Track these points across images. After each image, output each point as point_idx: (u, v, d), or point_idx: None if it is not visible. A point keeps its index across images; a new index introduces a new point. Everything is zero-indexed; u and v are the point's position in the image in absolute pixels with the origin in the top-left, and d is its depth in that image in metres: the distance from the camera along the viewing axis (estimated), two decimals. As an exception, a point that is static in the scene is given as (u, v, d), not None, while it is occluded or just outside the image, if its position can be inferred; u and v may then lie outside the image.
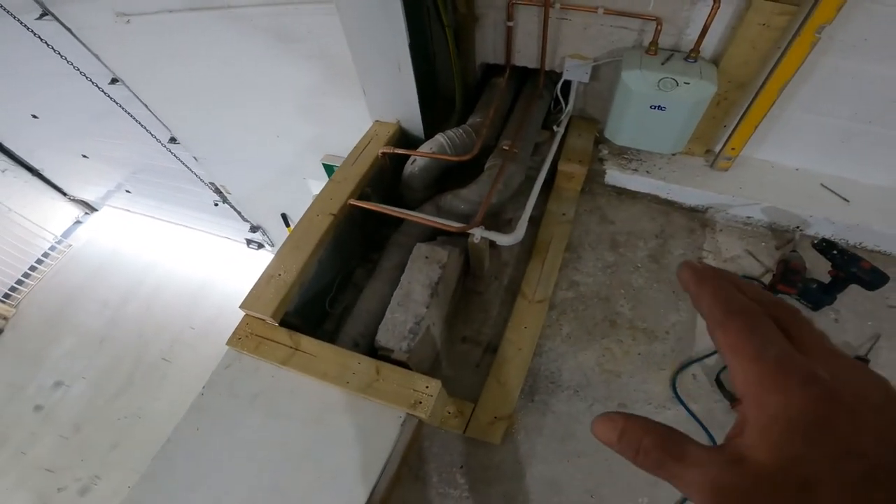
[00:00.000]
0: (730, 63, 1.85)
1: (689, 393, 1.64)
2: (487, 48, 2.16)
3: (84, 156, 4.67)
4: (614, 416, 0.38)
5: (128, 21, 2.64)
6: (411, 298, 1.66)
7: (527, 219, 1.77)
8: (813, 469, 0.29)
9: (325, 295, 1.84)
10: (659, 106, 1.80)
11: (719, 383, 1.67)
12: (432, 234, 1.88)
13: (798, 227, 2.04)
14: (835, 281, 1.77)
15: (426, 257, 1.74)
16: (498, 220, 2.04)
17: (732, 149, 2.02)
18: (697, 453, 0.33)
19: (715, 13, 1.72)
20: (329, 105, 2.60)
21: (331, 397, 1.47)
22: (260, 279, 1.60)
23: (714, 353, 1.73)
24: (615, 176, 2.13)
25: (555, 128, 2.13)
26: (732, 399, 1.61)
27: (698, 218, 2.09)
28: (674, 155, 2.16)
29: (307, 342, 1.52)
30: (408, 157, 1.94)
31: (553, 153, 2.02)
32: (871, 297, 1.78)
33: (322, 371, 1.46)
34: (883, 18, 1.63)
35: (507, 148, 1.89)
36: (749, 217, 2.06)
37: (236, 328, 1.58)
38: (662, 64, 1.83)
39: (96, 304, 5.61)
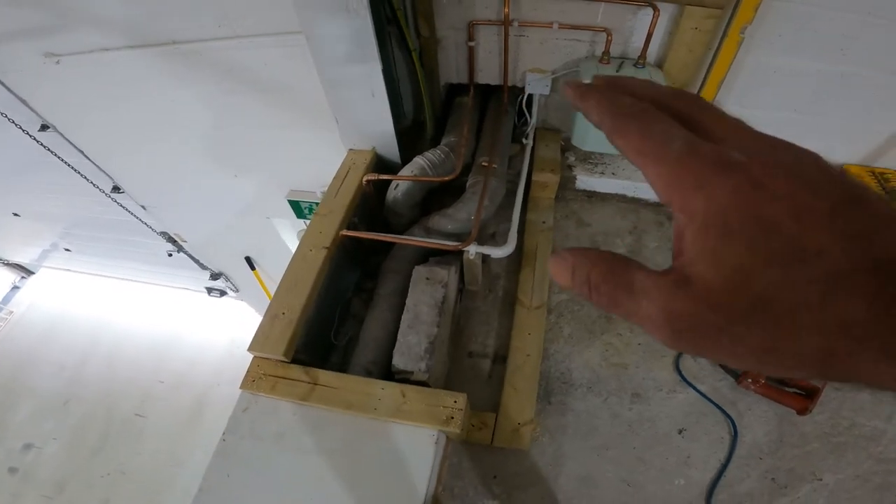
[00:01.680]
0: (672, 66, 1.95)
1: (694, 374, 1.69)
2: (451, 69, 2.16)
3: (15, 214, 4.22)
4: (563, 254, 0.33)
5: (57, 62, 2.40)
6: (420, 320, 1.62)
7: (515, 230, 1.78)
8: (762, 281, 0.24)
9: (327, 328, 1.76)
10: None
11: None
12: (422, 256, 1.84)
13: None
14: None
15: (427, 279, 1.71)
16: (483, 234, 2.03)
17: (680, 147, 2.12)
18: (644, 281, 0.28)
19: (655, 21, 1.81)
20: (291, 138, 2.48)
21: (358, 426, 1.40)
22: (263, 321, 1.52)
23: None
24: (585, 180, 2.18)
25: (524, 140, 2.16)
26: (736, 375, 1.67)
27: (664, 211, 2.18)
28: (632, 155, 2.24)
29: (325, 376, 1.46)
30: (390, 182, 1.90)
31: (526, 165, 2.04)
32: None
33: (347, 402, 1.40)
34: (790, 14, 1.76)
35: (486, 164, 1.89)
36: None
37: (248, 371, 1.49)
38: (617, 71, 1.90)
39: (52, 367, 5.28)
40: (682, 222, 0.27)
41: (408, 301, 1.65)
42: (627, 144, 0.29)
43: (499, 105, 2.19)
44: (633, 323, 0.29)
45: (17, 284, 5.93)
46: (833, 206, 0.24)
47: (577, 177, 2.18)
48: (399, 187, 1.89)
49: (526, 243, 1.97)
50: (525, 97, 2.15)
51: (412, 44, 1.91)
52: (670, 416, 1.66)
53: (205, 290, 4.75)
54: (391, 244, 1.85)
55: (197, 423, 4.52)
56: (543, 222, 2.04)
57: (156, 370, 5.12)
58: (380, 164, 2.02)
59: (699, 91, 1.97)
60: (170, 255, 3.64)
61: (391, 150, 1.99)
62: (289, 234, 3.15)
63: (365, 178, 1.81)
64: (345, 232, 1.70)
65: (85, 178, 2.93)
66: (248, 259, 3.76)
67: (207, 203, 3.06)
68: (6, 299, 5.86)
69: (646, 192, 2.16)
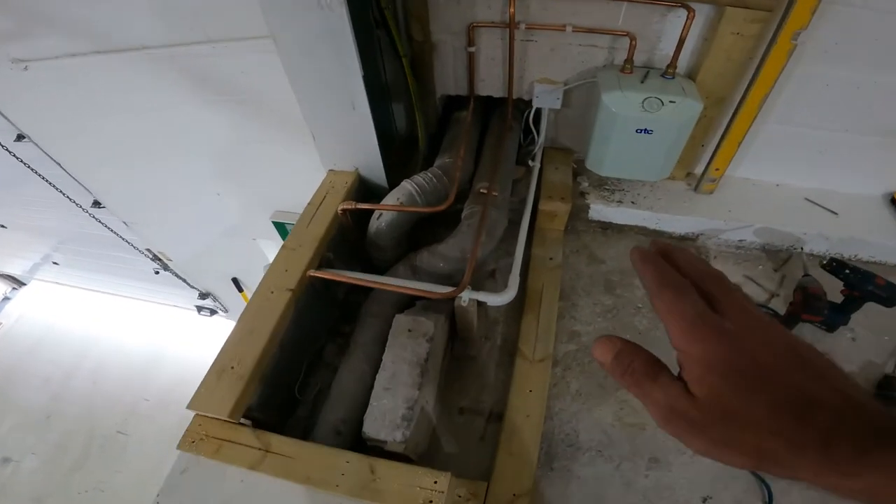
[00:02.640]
0: (707, 77, 1.63)
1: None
2: (447, 79, 1.85)
3: (2, 226, 4.00)
4: (614, 339, 0.46)
5: (25, 68, 2.16)
6: (399, 380, 1.32)
7: (518, 273, 1.47)
8: (730, 401, 0.36)
9: (292, 380, 1.46)
10: (645, 129, 1.55)
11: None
12: (407, 298, 1.55)
13: (793, 246, 1.83)
14: (848, 301, 1.56)
15: (409, 331, 1.41)
16: (480, 272, 1.72)
17: (716, 169, 1.79)
18: (666, 380, 0.40)
19: (690, 23, 1.50)
20: (274, 155, 2.19)
21: (321, 500, 1.20)
22: (209, 374, 1.25)
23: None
24: (600, 210, 1.85)
25: (530, 162, 1.84)
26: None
27: (690, 246, 1.85)
28: (654, 182, 1.91)
29: (279, 442, 1.18)
30: (372, 211, 1.59)
31: (532, 191, 1.72)
32: (886, 312, 1.57)
33: (304, 474, 1.13)
34: (852, 20, 1.46)
35: (485, 191, 1.57)
36: (741, 240, 1.83)
37: (187, 430, 1.22)
38: (642, 82, 1.58)
39: (37, 380, 5.04)
40: (682, 360, 0.39)
41: (385, 357, 1.36)
42: (661, 305, 0.42)
43: (502, 121, 1.87)
44: (639, 399, 0.42)
45: (8, 296, 5.75)
46: (785, 366, 0.36)
47: (591, 206, 1.84)
48: (383, 217, 1.59)
49: (530, 284, 1.65)
50: (532, 112, 1.83)
51: (402, 49, 1.62)
52: (694, 482, 1.37)
53: (195, 308, 4.49)
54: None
55: (182, 442, 4.26)
56: (551, 259, 1.72)
57: (141, 387, 4.88)
58: (363, 187, 1.73)
59: (739, 106, 1.64)
60: (156, 272, 3.38)
61: (376, 171, 1.69)
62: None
63: (340, 208, 1.51)
64: (312, 272, 1.40)
65: (61, 192, 2.68)
66: (235, 280, 3.48)
67: (191, 221, 2.80)
68: (-3, 310, 5.66)
69: (670, 223, 1.83)
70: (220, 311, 4.45)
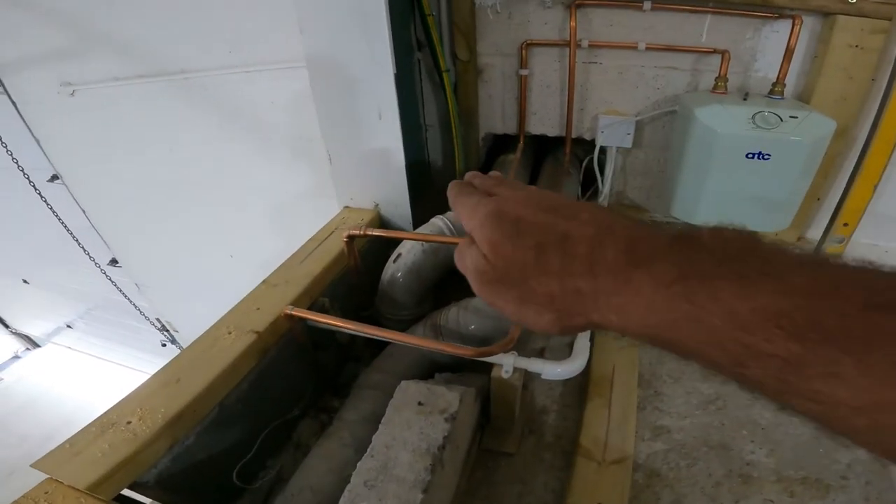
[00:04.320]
0: (823, 102, 1.23)
1: None
2: (494, 112, 1.51)
3: (25, 281, 3.77)
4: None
5: (72, 93, 2.01)
6: (392, 475, 0.82)
7: (588, 337, 0.99)
8: (505, 248, 0.38)
9: (232, 457, 0.97)
10: (759, 153, 1.10)
11: None
12: (424, 374, 1.09)
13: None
14: None
15: (420, 403, 0.92)
16: (527, 350, 1.24)
17: (845, 224, 1.31)
18: (475, 248, 0.41)
19: (798, 30, 1.16)
20: (298, 208, 1.86)
21: None
22: (88, 427, 0.82)
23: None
24: None
25: None
26: None
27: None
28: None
29: None
30: (387, 248, 1.19)
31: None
32: None
33: None
34: None
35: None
36: None
37: (21, 499, 0.75)
38: (744, 100, 1.19)
39: (15, 439, 4.59)
40: (475, 238, 0.41)
41: (376, 438, 0.86)
42: (456, 208, 0.47)
43: (557, 164, 1.49)
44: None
45: (20, 354, 5.46)
46: (543, 213, 0.38)
47: None
48: (401, 259, 1.17)
49: (594, 365, 1.16)
50: (596, 153, 1.45)
51: (444, 63, 1.31)
52: None
53: None
54: (376, 348, 1.10)
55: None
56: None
57: None
58: (383, 228, 1.33)
59: (870, 137, 1.21)
60: (163, 345, 3.01)
61: (401, 209, 1.31)
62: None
63: (346, 234, 1.10)
64: (291, 310, 0.97)
65: (82, 247, 2.43)
66: None
67: (202, 286, 2.45)
68: (2, 367, 5.38)
69: None
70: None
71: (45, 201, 2.27)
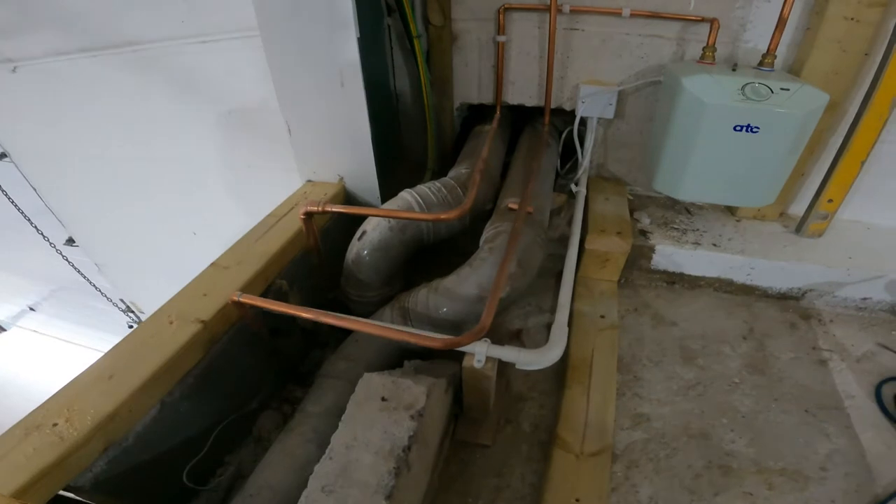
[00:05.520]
0: (814, 74, 1.16)
1: None
2: (470, 81, 1.38)
3: None
4: None
5: (14, 69, 1.82)
6: (352, 478, 0.74)
7: (565, 323, 0.91)
8: None
9: (182, 457, 0.86)
10: (748, 126, 1.01)
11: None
12: (392, 361, 0.99)
13: (934, 307, 1.23)
14: None
15: (383, 399, 0.83)
16: (501, 331, 1.15)
17: (830, 200, 1.24)
18: None
19: (791, 2, 1.06)
20: (261, 183, 1.71)
21: None
22: (12, 429, 0.74)
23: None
24: (669, 255, 1.26)
25: (573, 188, 1.31)
26: None
27: (793, 307, 1.26)
28: (738, 221, 1.36)
29: None
30: (352, 224, 1.07)
31: (578, 227, 1.17)
32: None
33: None
34: None
35: (514, 207, 1.04)
36: (865, 299, 1.24)
37: None
38: (733, 71, 1.09)
39: None
40: None
41: (335, 437, 0.78)
42: None
43: (536, 137, 1.38)
44: None
45: None
46: None
47: (657, 247, 1.25)
48: (366, 237, 1.05)
49: (573, 350, 1.08)
50: (576, 125, 1.33)
51: (415, 29, 1.17)
52: None
53: None
54: (342, 333, 0.99)
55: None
56: (602, 316, 1.14)
57: None
58: (349, 204, 1.21)
59: (860, 113, 1.13)
60: (130, 327, 2.84)
61: (368, 183, 1.19)
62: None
63: (303, 210, 0.98)
64: (238, 297, 0.85)
65: (34, 226, 2.23)
66: None
67: (165, 267, 2.27)
68: (-33, 353, 5.12)
69: (768, 274, 1.25)
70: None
71: (-11, 182, 2.06)
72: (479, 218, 1.10)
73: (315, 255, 1.04)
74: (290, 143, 1.18)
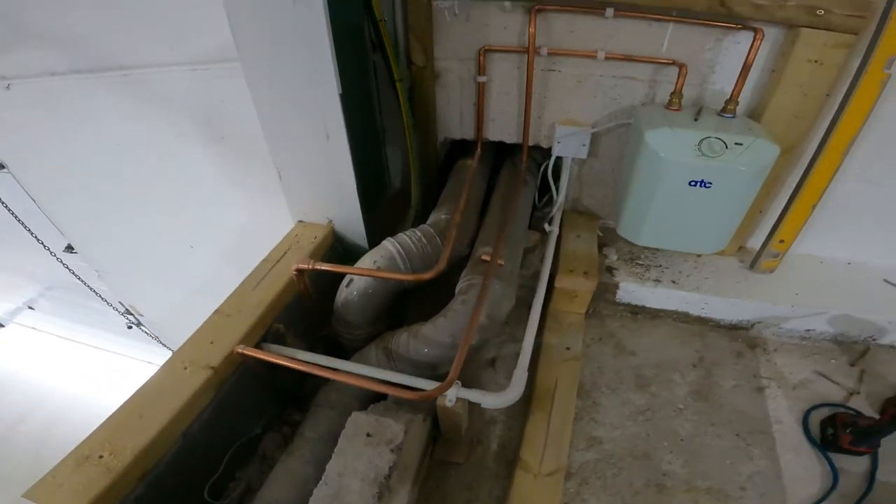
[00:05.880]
0: (775, 119, 1.24)
1: None
2: (452, 117, 1.47)
3: None
4: None
5: (7, 86, 1.86)
6: (344, 501, 0.91)
7: (525, 366, 1.04)
8: None
9: (202, 477, 1.04)
10: (702, 181, 1.11)
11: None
12: (378, 392, 1.12)
13: (872, 337, 1.36)
14: None
15: (368, 435, 0.99)
16: (478, 359, 1.28)
17: (781, 241, 1.35)
18: None
19: (758, 46, 1.13)
20: (253, 204, 1.80)
21: None
22: (65, 460, 0.89)
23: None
24: (632, 291, 1.41)
25: (546, 227, 1.41)
26: None
27: (743, 337, 1.40)
28: (699, 256, 1.46)
29: None
30: (341, 276, 1.17)
31: (548, 264, 1.28)
32: None
33: None
34: None
35: (487, 258, 1.15)
36: (809, 330, 1.38)
37: None
38: (695, 121, 1.16)
39: None
40: None
41: (329, 467, 0.95)
42: None
43: (514, 173, 1.47)
44: None
45: None
46: None
47: (621, 284, 1.40)
48: (354, 284, 1.18)
49: (540, 379, 1.23)
50: (552, 163, 1.41)
51: (398, 73, 1.24)
52: None
53: None
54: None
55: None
56: (568, 348, 1.28)
57: None
58: (338, 245, 1.34)
59: (816, 156, 1.21)
60: (129, 327, 2.99)
61: (354, 225, 1.30)
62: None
63: (295, 267, 1.09)
64: (241, 349, 0.98)
65: (33, 234, 2.34)
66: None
67: (164, 275, 2.41)
68: (-35, 349, 5.37)
69: (721, 308, 1.39)
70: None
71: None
72: (456, 264, 1.20)
73: (307, 299, 1.16)
74: (281, 188, 1.26)
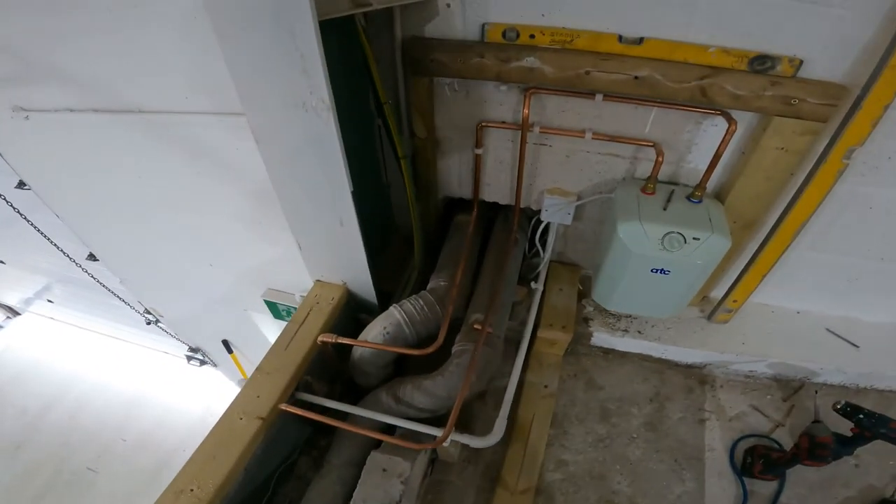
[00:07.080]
0: (738, 199, 1.49)
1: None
2: (451, 178, 1.71)
3: (1, 261, 3.96)
4: None
5: (26, 117, 1.97)
6: None
7: (506, 414, 1.42)
8: None
9: (258, 498, 1.43)
10: (662, 269, 1.35)
11: None
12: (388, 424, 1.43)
13: (807, 377, 1.63)
14: (857, 438, 1.42)
15: (384, 470, 1.38)
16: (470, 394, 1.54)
17: (734, 301, 1.63)
18: None
19: (730, 137, 1.29)
20: (265, 235, 2.01)
21: None
22: (166, 493, 1.24)
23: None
24: (604, 339, 1.82)
25: (532, 284, 1.68)
26: None
27: (696, 375, 1.69)
28: (664, 312, 1.70)
29: None
30: (358, 326, 1.45)
31: (533, 316, 1.50)
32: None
33: None
34: None
35: (478, 327, 1.38)
36: (752, 371, 1.68)
37: None
38: (664, 209, 1.33)
39: (14, 410, 4.80)
40: None
41: (355, 494, 1.32)
42: None
43: (506, 232, 1.73)
44: None
45: (1, 324, 5.58)
46: None
47: (594, 333, 1.72)
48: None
49: (521, 413, 1.56)
50: (540, 229, 1.61)
51: (402, 150, 1.41)
52: None
53: (184, 357, 4.08)
54: (354, 402, 1.41)
55: (153, 486, 3.70)
56: (545, 386, 1.58)
57: (120, 427, 4.58)
58: (351, 302, 1.67)
59: (771, 233, 1.42)
60: (148, 323, 3.28)
61: (365, 286, 1.64)
62: (268, 328, 2.77)
63: (320, 340, 1.35)
64: (285, 406, 1.33)
65: (56, 245, 2.62)
66: (225, 342, 3.37)
67: (185, 286, 2.73)
68: (-13, 337, 5.92)
69: (677, 354, 1.67)
70: (209, 363, 4.21)
71: (11, 205, 2.39)
72: (453, 325, 1.42)
73: (330, 356, 1.40)
74: (301, 255, 1.45)
